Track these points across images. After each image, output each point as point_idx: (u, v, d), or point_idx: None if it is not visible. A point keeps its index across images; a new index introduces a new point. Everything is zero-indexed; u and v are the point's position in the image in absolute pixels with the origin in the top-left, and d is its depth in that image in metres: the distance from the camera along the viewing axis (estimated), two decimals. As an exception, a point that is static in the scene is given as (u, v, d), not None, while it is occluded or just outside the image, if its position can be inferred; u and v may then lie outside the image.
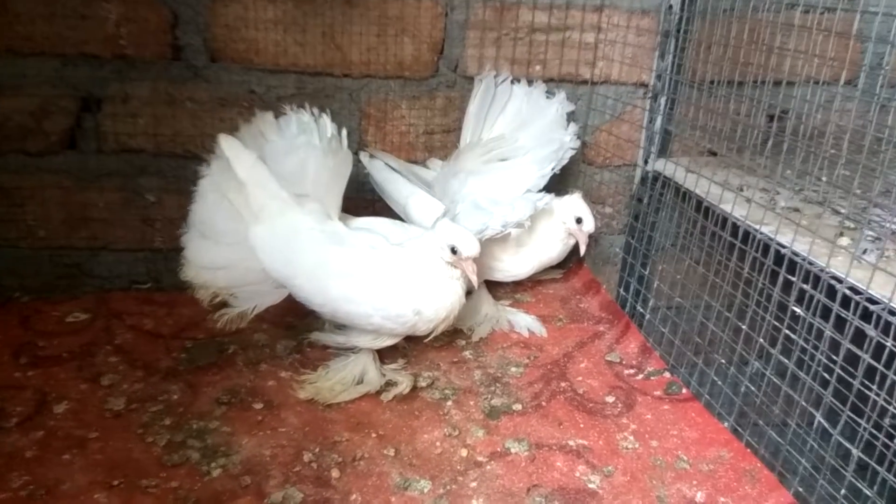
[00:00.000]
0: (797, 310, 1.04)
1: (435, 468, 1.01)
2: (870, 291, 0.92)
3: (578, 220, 1.41)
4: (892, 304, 0.89)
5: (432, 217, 1.24)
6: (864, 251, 1.01)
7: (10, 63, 1.28)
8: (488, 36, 1.47)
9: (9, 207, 1.36)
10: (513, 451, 1.05)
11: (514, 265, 1.42)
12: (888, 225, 1.12)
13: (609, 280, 1.66)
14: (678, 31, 1.38)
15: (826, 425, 0.99)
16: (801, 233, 1.05)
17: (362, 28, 1.40)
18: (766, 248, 1.10)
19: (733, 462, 1.04)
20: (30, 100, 1.31)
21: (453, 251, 1.12)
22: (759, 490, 0.99)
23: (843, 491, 0.98)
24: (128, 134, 1.37)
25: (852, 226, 1.12)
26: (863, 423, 0.93)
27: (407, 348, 1.28)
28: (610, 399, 1.19)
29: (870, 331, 0.90)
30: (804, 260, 1.02)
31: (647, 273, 1.54)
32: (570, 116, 1.47)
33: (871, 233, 1.08)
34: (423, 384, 1.19)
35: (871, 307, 0.91)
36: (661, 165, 1.46)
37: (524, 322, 1.39)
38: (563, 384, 1.22)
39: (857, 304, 0.93)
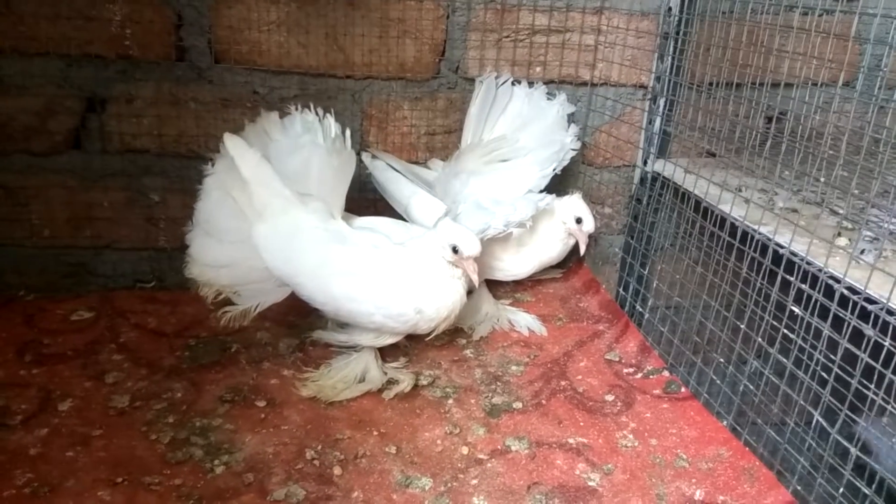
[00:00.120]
0: (795, 309, 1.04)
1: (436, 466, 1.01)
2: (868, 291, 0.92)
3: (578, 220, 1.42)
4: (889, 304, 0.89)
5: (434, 217, 1.25)
6: (862, 251, 1.01)
7: (15, 63, 1.29)
8: (489, 38, 1.48)
9: (14, 207, 1.37)
10: (513, 448, 1.06)
11: (514, 265, 1.43)
12: (886, 225, 1.12)
13: (608, 280, 1.67)
14: (677, 33, 1.39)
15: (824, 424, 1.00)
16: (800, 233, 1.06)
17: (364, 30, 1.41)
18: (765, 248, 1.11)
19: (732, 460, 1.05)
20: (35, 100, 1.32)
21: (455, 250, 1.13)
22: (758, 488, 0.99)
23: (841, 489, 0.98)
24: (132, 134, 1.38)
25: (850, 226, 1.13)
26: (861, 421, 0.94)
27: (408, 347, 1.29)
28: (609, 398, 1.20)
29: (868, 330, 0.91)
30: (802, 260, 1.03)
31: (646, 273, 1.55)
32: (571, 118, 1.48)
33: (868, 233, 1.09)
34: (425, 382, 1.20)
35: (869, 307, 0.91)
36: (660, 166, 1.47)
37: (524, 321, 1.40)
38: (563, 383, 1.23)
39: (855, 303, 0.93)
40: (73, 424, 1.04)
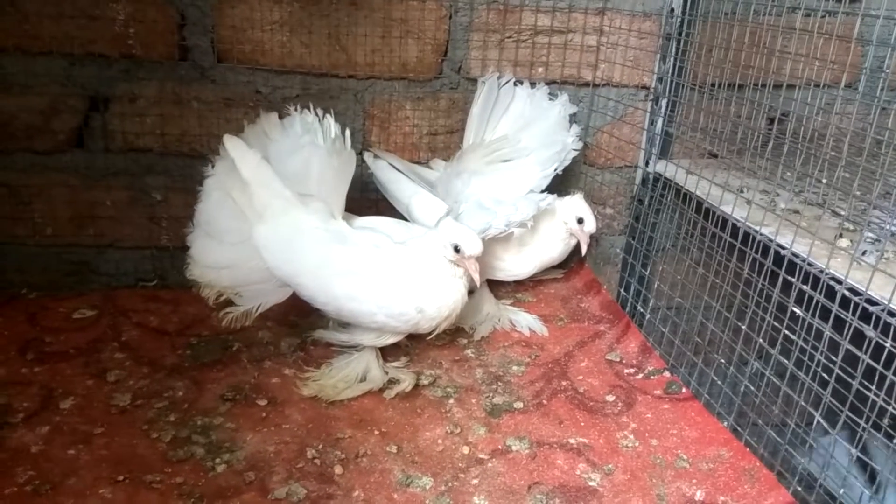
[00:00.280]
0: (797, 310, 1.04)
1: (437, 465, 1.02)
2: (869, 292, 0.92)
3: (580, 221, 1.42)
4: (891, 306, 0.89)
5: (435, 217, 1.25)
6: (864, 253, 1.02)
7: (18, 62, 1.30)
8: (492, 38, 1.48)
9: (16, 205, 1.37)
10: (514, 448, 1.06)
11: (516, 265, 1.43)
12: (887, 227, 1.12)
13: (610, 280, 1.67)
14: (679, 34, 1.39)
15: (825, 425, 1.00)
16: (801, 234, 1.06)
17: (367, 30, 1.41)
18: (766, 249, 1.11)
19: (733, 461, 1.05)
20: (38, 98, 1.33)
21: (456, 250, 1.13)
22: (759, 489, 0.99)
23: (841, 490, 0.98)
24: (135, 133, 1.38)
25: (852, 227, 1.13)
26: (862, 423, 0.94)
27: (409, 346, 1.29)
28: (610, 398, 1.20)
29: (869, 331, 0.91)
30: (804, 261, 1.03)
31: (647, 273, 1.55)
32: (573, 118, 1.48)
33: (870, 234, 1.09)
34: (426, 382, 1.20)
35: (871, 308, 0.91)
36: (661, 167, 1.47)
37: (525, 321, 1.40)
38: (563, 383, 1.23)
39: (857, 304, 0.93)
40: (74, 422, 1.04)
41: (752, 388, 1.16)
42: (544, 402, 1.18)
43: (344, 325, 1.20)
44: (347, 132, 1.23)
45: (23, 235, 1.40)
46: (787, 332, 1.07)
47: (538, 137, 1.43)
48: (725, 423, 1.14)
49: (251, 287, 1.17)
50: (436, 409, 1.14)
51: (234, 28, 1.36)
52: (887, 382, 0.90)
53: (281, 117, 1.23)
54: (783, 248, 1.07)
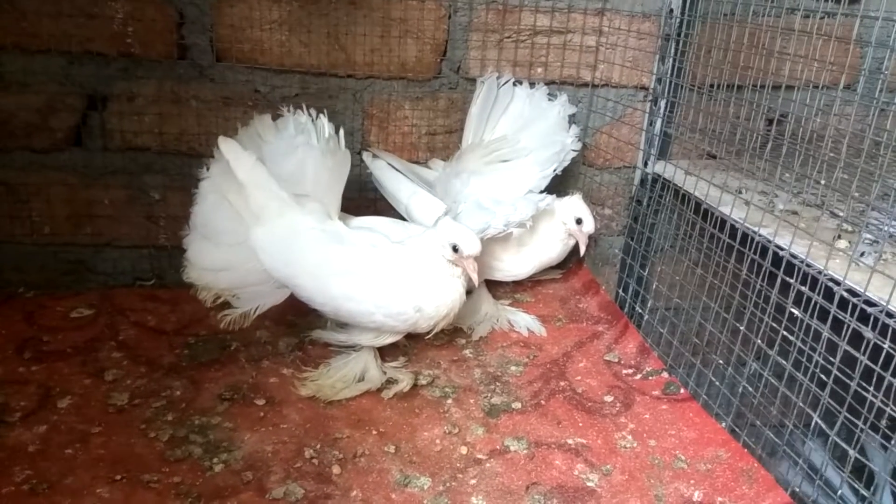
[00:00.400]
0: (795, 311, 1.05)
1: (435, 465, 1.02)
2: (867, 294, 0.92)
3: (578, 221, 1.42)
4: (889, 307, 0.89)
5: (434, 216, 1.25)
6: (862, 254, 1.02)
7: (17, 60, 1.30)
8: (491, 38, 1.48)
9: (14, 203, 1.37)
10: (512, 449, 1.06)
11: (514, 265, 1.43)
12: (886, 228, 1.13)
13: (608, 281, 1.67)
14: (678, 34, 1.39)
15: (823, 426, 1.00)
16: (800, 235, 1.06)
17: (366, 29, 1.41)
18: (765, 250, 1.11)
19: (731, 462, 1.05)
20: (36, 97, 1.32)
21: (455, 249, 1.13)
22: (756, 490, 0.99)
23: (839, 492, 0.98)
24: (133, 132, 1.38)
25: (850, 228, 1.13)
26: (860, 424, 0.94)
27: (408, 346, 1.29)
28: (608, 398, 1.20)
29: (867, 333, 0.91)
30: (802, 262, 1.03)
31: (645, 274, 1.55)
32: (572, 119, 1.48)
33: (868, 236, 1.09)
34: (424, 382, 1.20)
35: (869, 309, 0.92)
36: (660, 168, 1.47)
37: (524, 321, 1.40)
38: (562, 383, 1.23)
39: (855, 306, 0.93)
40: (72, 422, 1.04)
41: (751, 388, 1.16)
42: (542, 402, 1.18)
43: (342, 325, 1.20)
44: (342, 132, 1.23)
45: (20, 234, 1.39)
46: (785, 332, 1.07)
47: (537, 138, 1.43)
48: (723, 424, 1.14)
49: (249, 289, 1.17)
50: (434, 409, 1.14)
51: (233, 27, 1.36)
52: (885, 383, 0.90)
53: (275, 118, 1.22)
54: (781, 248, 1.08)
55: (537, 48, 1.51)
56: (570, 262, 1.61)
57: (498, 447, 1.06)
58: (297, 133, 1.20)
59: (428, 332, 1.18)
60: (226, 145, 1.12)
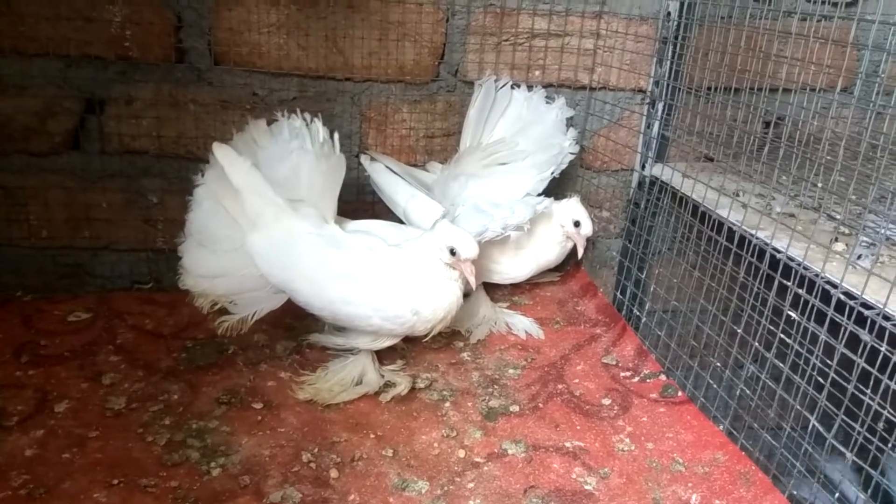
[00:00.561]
0: (792, 314, 1.05)
1: (433, 469, 1.01)
2: (864, 297, 0.93)
3: (576, 224, 1.42)
4: (886, 310, 0.90)
5: (432, 219, 1.25)
6: (859, 257, 1.02)
7: (14, 63, 1.30)
8: (488, 41, 1.48)
9: (12, 207, 1.37)
10: (510, 452, 1.06)
11: (512, 268, 1.43)
12: (883, 231, 1.13)
13: (606, 283, 1.68)
14: (676, 37, 1.40)
15: (820, 429, 1.00)
16: (797, 238, 1.06)
17: (364, 32, 1.41)
18: (762, 252, 1.11)
19: (728, 465, 1.05)
20: (34, 100, 1.32)
21: (452, 252, 1.13)
22: (754, 493, 0.99)
23: (836, 494, 0.98)
24: (131, 135, 1.38)
25: (847, 231, 1.13)
26: (857, 426, 0.94)
27: (405, 350, 1.29)
28: (606, 401, 1.20)
29: (864, 335, 0.91)
30: (799, 265, 1.03)
31: (643, 277, 1.55)
32: (569, 121, 1.48)
33: (865, 238, 1.09)
34: (422, 385, 1.20)
35: (866, 312, 0.92)
36: (658, 170, 1.47)
37: (522, 324, 1.40)
38: (559, 386, 1.23)
39: (852, 308, 0.94)
40: (69, 426, 1.03)
41: (748, 391, 1.16)
42: (540, 405, 1.18)
43: (340, 329, 1.20)
44: (336, 136, 1.22)
45: (18, 237, 1.39)
46: (782, 335, 1.07)
47: (535, 141, 1.43)
48: (721, 427, 1.14)
49: (246, 295, 1.16)
50: (432, 412, 1.14)
51: (231, 30, 1.36)
52: (882, 386, 0.90)
53: (269, 123, 1.22)
54: (779, 251, 1.08)
55: (535, 51, 1.51)
56: (568, 265, 1.61)
57: (496, 450, 1.06)
58: (291, 138, 1.19)
59: (425, 336, 1.18)
60: (220, 151, 1.11)
